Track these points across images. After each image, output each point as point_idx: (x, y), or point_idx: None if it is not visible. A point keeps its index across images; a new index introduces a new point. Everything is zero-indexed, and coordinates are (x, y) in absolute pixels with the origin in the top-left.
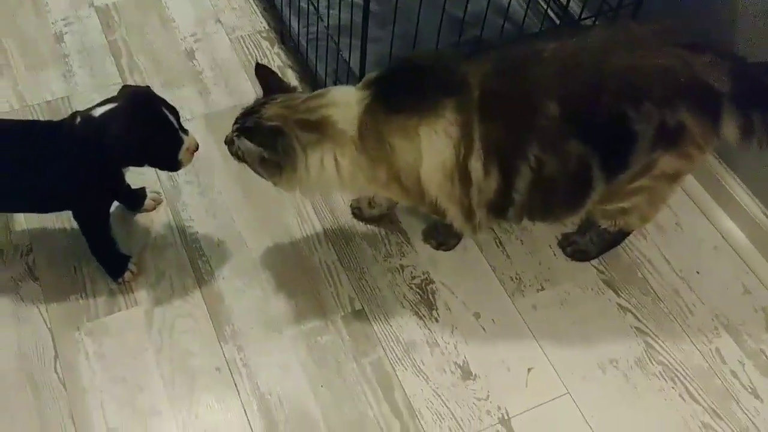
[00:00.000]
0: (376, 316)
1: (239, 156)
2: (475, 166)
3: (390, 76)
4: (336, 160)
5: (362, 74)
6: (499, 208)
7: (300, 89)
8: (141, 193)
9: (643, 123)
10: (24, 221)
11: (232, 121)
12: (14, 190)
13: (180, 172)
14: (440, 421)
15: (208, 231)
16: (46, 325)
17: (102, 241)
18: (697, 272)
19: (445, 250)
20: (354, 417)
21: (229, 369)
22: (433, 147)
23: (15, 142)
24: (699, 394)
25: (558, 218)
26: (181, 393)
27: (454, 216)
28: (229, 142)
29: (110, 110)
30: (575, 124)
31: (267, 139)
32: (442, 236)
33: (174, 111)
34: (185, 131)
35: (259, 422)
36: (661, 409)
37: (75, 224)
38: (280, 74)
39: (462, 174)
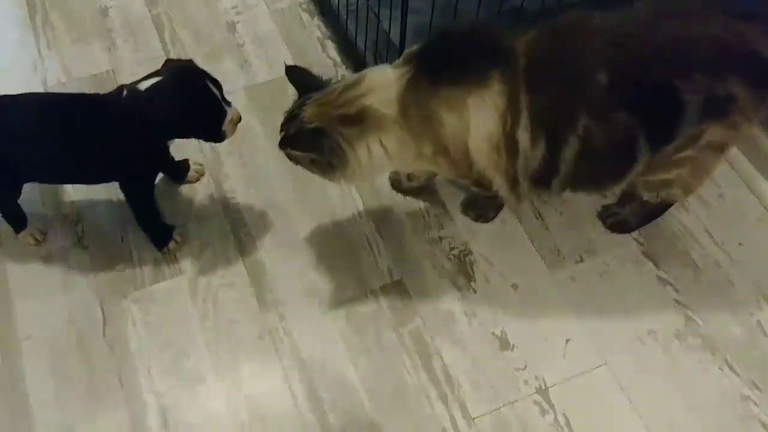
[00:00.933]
0: (415, 287)
1: (294, 160)
2: (523, 136)
3: (432, 48)
4: (382, 145)
5: (402, 45)
6: (544, 178)
7: (334, 78)
8: (185, 165)
9: (692, 93)
10: (72, 192)
11: (272, 97)
12: (63, 162)
13: (222, 144)
14: (478, 390)
15: (249, 202)
16: (95, 293)
17: (147, 211)
18: (740, 244)
19: (483, 222)
20: (392, 384)
21: (271, 337)
22: (481, 118)
23: (63, 115)
24: (738, 367)
25: (601, 189)
26: (225, 360)
27: (500, 185)
28: (282, 147)
29: (156, 84)
30: (624, 93)
31: (312, 143)
32: (482, 208)
33: (217, 83)
34: (228, 103)
35: (300, 388)
36: (699, 382)
37: (121, 195)
38: (320, 47)
39: (509, 144)
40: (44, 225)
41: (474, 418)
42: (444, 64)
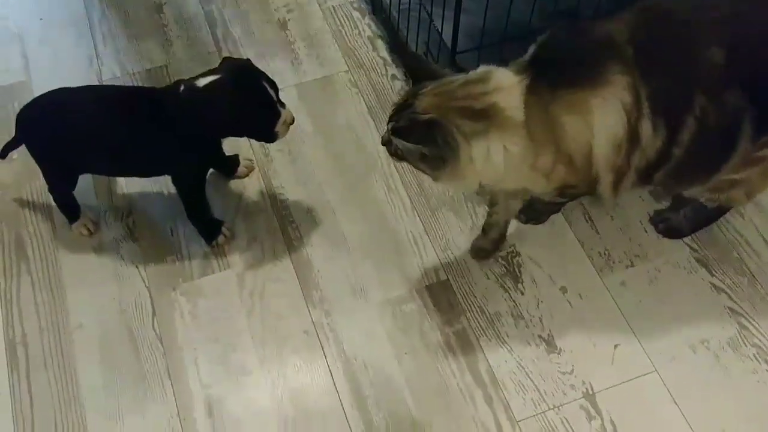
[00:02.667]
0: (461, 287)
1: (399, 155)
2: (645, 126)
3: (542, 55)
4: (506, 149)
5: (455, 46)
6: (652, 169)
7: (447, 71)
8: (235, 160)
9: None
10: (124, 185)
11: (322, 95)
12: (118, 155)
13: None
14: (523, 392)
15: (297, 198)
16: (145, 284)
17: (198, 205)
18: None
19: (534, 224)
20: (437, 385)
21: (317, 333)
22: (606, 117)
23: (120, 108)
24: None
25: (698, 182)
26: (271, 354)
27: (606, 185)
28: (386, 142)
29: (213, 82)
30: (738, 73)
31: (425, 135)
32: (538, 213)
33: (273, 84)
34: (282, 104)
35: (345, 385)
36: (754, 392)
37: (172, 189)
38: (371, 46)
39: (631, 138)
40: (96, 216)
41: (519, 421)
42: (559, 68)
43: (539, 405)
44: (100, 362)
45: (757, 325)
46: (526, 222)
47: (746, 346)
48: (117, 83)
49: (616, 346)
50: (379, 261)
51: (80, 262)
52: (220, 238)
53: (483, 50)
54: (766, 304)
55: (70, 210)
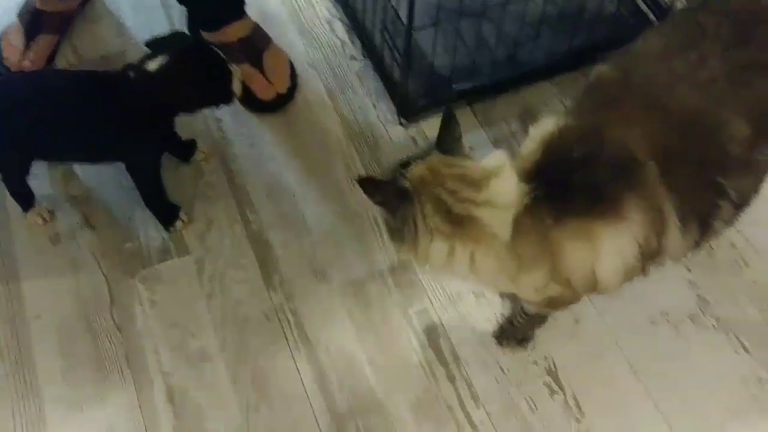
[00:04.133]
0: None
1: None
2: (673, 236)
3: (553, 170)
4: (472, 258)
5: (410, 25)
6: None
7: (467, 150)
8: (192, 145)
9: None
10: (80, 173)
11: None
12: (71, 141)
13: (230, 124)
14: (486, 369)
15: (257, 182)
16: (102, 272)
17: (154, 191)
18: (755, 224)
19: (525, 346)
20: (399, 365)
21: (278, 316)
22: (615, 247)
23: (72, 93)
24: (753, 348)
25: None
26: (232, 339)
27: (614, 289)
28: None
29: (164, 60)
30: (765, 129)
31: (389, 200)
32: (525, 329)
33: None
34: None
35: (307, 368)
36: (714, 364)
37: (128, 175)
38: (328, 27)
39: (652, 254)
40: (52, 205)
41: (482, 399)
42: (566, 191)
43: (502, 382)
44: (58, 352)
45: (716, 297)
46: (519, 344)
47: (706, 317)
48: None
49: (576, 321)
50: (340, 243)
51: (36, 251)
52: (178, 224)
53: (439, 27)
54: (725, 276)
55: (24, 198)
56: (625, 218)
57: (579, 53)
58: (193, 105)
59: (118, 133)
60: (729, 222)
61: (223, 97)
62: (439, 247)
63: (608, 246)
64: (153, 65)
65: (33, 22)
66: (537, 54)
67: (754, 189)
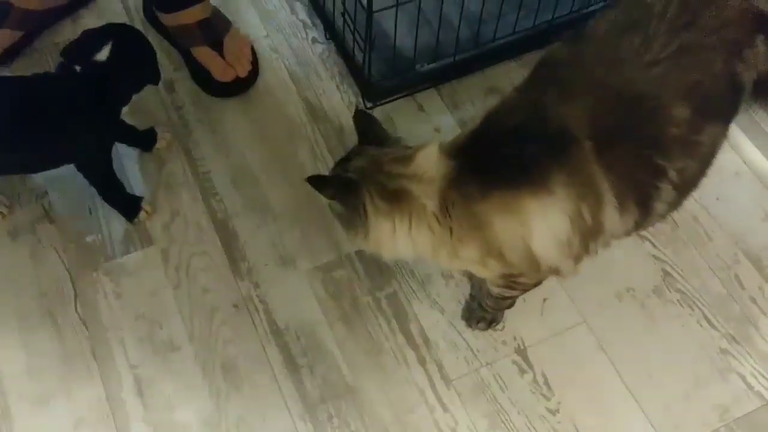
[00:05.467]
0: None
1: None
2: (610, 215)
3: (480, 143)
4: (410, 230)
5: (370, 4)
6: (626, 235)
7: (397, 135)
8: (151, 133)
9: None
10: None
11: None
12: (17, 151)
13: (191, 112)
14: (456, 351)
15: (220, 168)
16: (65, 266)
17: (110, 185)
18: (717, 198)
19: (484, 327)
20: (370, 349)
21: (246, 305)
22: (546, 222)
23: (18, 100)
24: (717, 321)
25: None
26: (200, 329)
27: (568, 268)
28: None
29: (109, 48)
30: (708, 112)
31: (340, 192)
32: (491, 313)
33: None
34: None
35: (277, 356)
36: (678, 337)
37: None
38: (289, 8)
39: (590, 231)
40: (9, 199)
41: (452, 380)
42: (495, 163)
43: (472, 363)
44: (21, 348)
45: (680, 271)
46: (486, 329)
47: (670, 291)
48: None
49: (545, 299)
50: (306, 228)
51: None
52: (142, 215)
53: (400, 8)
54: (688, 250)
55: None
56: (552, 192)
57: (544, 31)
58: (134, 88)
59: (72, 133)
60: (673, 204)
61: (155, 76)
62: (383, 227)
63: (537, 220)
64: (102, 55)
65: None
66: (502, 33)
67: (698, 172)
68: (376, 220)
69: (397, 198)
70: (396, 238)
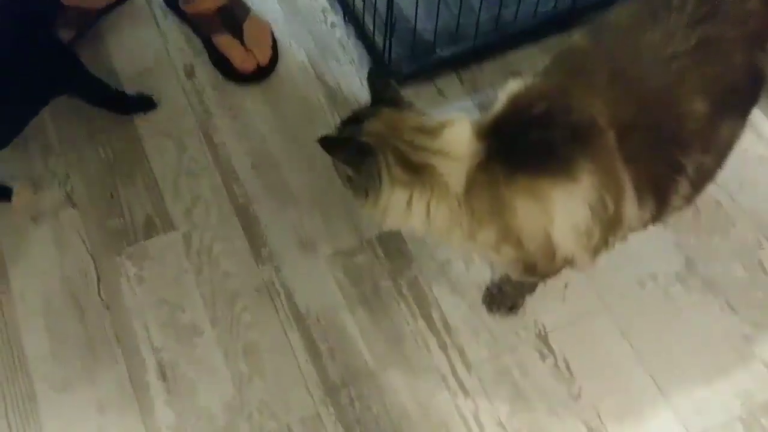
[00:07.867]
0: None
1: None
2: (629, 209)
3: (508, 127)
4: (428, 208)
5: None
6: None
7: (412, 105)
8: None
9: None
10: (59, 148)
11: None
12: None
13: (211, 97)
14: (476, 336)
15: (241, 154)
16: (88, 251)
17: (100, 84)
18: (740, 183)
19: (515, 312)
20: (391, 334)
21: (267, 289)
22: (568, 210)
23: None
24: (740, 307)
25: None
26: (222, 313)
27: (584, 260)
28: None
29: None
30: (727, 106)
31: (354, 157)
32: (513, 296)
33: None
34: None
35: (298, 341)
36: (701, 323)
37: (110, 151)
38: None
39: (611, 222)
40: (32, 184)
41: (474, 365)
42: (522, 148)
43: (493, 348)
44: (45, 331)
45: (703, 258)
46: (510, 312)
47: (692, 278)
48: None
49: (566, 284)
50: (327, 213)
51: (18, 233)
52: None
53: None
54: (710, 237)
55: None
56: (578, 180)
57: (565, 16)
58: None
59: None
60: (688, 198)
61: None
62: (399, 197)
63: (560, 207)
64: None
65: None
66: (522, 16)
67: (715, 166)
68: (392, 189)
69: (418, 171)
70: (410, 211)
